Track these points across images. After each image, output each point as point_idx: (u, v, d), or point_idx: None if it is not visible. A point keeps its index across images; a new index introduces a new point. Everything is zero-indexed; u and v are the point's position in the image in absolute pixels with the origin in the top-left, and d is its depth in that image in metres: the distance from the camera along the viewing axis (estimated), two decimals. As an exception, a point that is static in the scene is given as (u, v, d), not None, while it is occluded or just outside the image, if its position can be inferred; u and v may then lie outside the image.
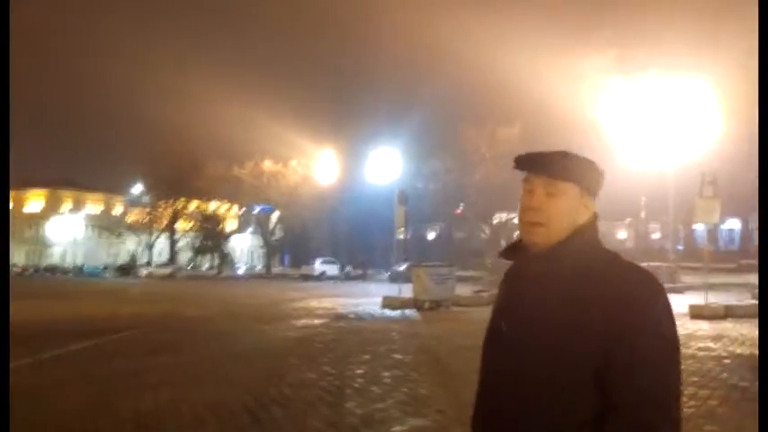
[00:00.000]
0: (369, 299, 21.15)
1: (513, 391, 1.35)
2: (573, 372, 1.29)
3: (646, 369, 1.27)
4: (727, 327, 12.43)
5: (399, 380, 7.56)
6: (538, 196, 1.41)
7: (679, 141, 24.10)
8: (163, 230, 63.83)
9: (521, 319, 1.37)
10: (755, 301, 16.35)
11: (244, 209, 64.99)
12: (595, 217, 1.44)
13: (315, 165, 53.63)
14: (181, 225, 63.62)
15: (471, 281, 26.70)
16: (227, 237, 64.28)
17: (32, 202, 76.23)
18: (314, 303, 20.75)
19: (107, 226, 69.51)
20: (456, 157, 44.82)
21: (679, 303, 10.81)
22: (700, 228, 39.86)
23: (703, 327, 12.45)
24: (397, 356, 9.45)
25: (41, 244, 75.04)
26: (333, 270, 46.73)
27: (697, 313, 14.49)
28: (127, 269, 58.10)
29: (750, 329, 11.68)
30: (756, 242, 37.56)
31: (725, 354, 9.17)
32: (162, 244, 65.83)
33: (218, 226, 62.39)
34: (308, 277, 44.63)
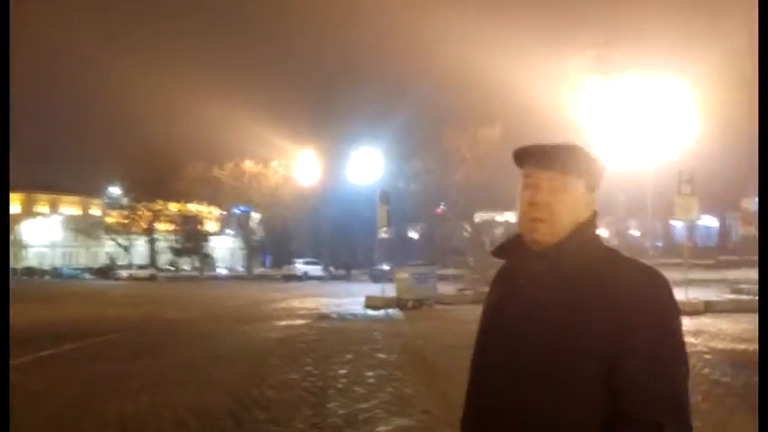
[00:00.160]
0: (351, 299, 21.08)
1: (512, 393, 1.29)
2: (576, 373, 1.24)
3: (658, 372, 1.23)
4: (707, 322, 12.57)
5: (383, 379, 7.51)
6: (543, 191, 1.35)
7: (657, 140, 24.38)
8: (142, 232, 63.08)
9: (520, 319, 1.31)
10: (734, 297, 16.64)
11: (224, 211, 64.49)
12: (596, 214, 1.39)
13: (296, 165, 53.39)
14: (160, 227, 62.92)
15: (453, 279, 26.76)
16: (207, 238, 63.76)
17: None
18: (296, 304, 20.63)
19: (85, 228, 68.46)
20: (437, 157, 44.94)
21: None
22: (678, 225, 40.40)
23: (683, 322, 12.55)
24: (381, 356, 9.41)
25: (17, 246, 73.73)
26: (315, 270, 46.54)
27: (677, 309, 14.66)
28: (106, 271, 57.33)
29: (729, 325, 11.85)
30: (734, 239, 38.25)
31: (705, 349, 9.27)
32: (141, 246, 65.07)
33: (198, 227, 61.83)
34: (289, 278, 44.42)
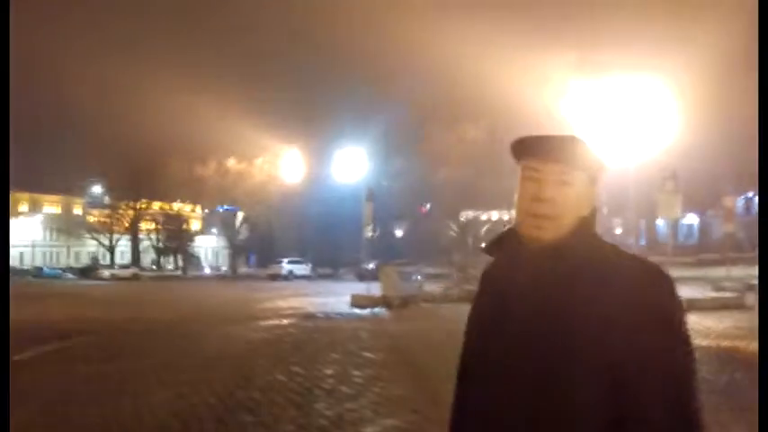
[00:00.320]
0: (337, 298, 20.99)
1: (520, 395, 1.23)
2: (584, 373, 1.18)
3: (673, 379, 1.18)
4: (692, 320, 12.32)
5: (371, 379, 7.46)
6: (549, 187, 1.27)
7: (639, 139, 24.60)
8: (125, 232, 62.41)
9: (529, 321, 1.24)
10: (717, 294, 16.80)
11: (208, 210, 64.03)
12: (596, 210, 1.34)
13: (281, 163, 53.11)
14: (143, 226, 62.29)
15: (439, 278, 26.78)
16: (191, 237, 63.25)
17: (-14, 205, 73.63)
18: (281, 303, 20.49)
19: (67, 228, 67.60)
20: (423, 155, 44.92)
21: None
22: (660, 223, 40.78)
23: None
24: (368, 355, 9.35)
25: (-3, 247, 72.54)
26: (300, 269, 46.34)
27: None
28: (88, 271, 56.65)
29: (714, 322, 11.94)
30: (714, 237, 38.69)
31: (690, 346, 9.30)
32: (124, 245, 64.42)
33: (181, 227, 61.30)
34: (274, 277, 44.17)
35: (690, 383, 1.20)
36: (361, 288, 20.44)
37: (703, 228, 46.09)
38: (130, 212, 60.08)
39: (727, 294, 16.65)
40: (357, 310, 16.97)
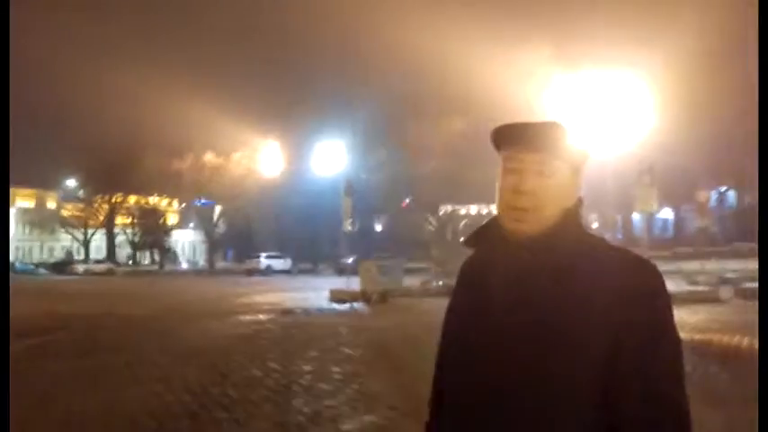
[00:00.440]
0: (316, 293, 20.87)
1: (503, 392, 1.17)
2: (570, 370, 1.13)
3: (654, 369, 1.13)
4: None
5: (349, 375, 7.40)
6: (529, 177, 1.21)
7: (616, 132, 24.85)
8: (100, 226, 61.49)
9: (512, 316, 1.18)
10: (691, 288, 17.05)
11: (185, 204, 63.34)
12: (581, 201, 1.28)
13: (258, 157, 52.68)
14: (119, 220, 61.41)
15: (418, 272, 26.80)
16: (167, 232, 62.54)
17: (-44, 198, 71.91)
18: (259, 299, 20.31)
19: (40, 222, 66.38)
20: (402, 148, 44.89)
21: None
22: (636, 217, 41.34)
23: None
24: (347, 351, 9.29)
25: (-33, 241, 70.99)
26: (279, 264, 46.02)
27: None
28: (62, 266, 55.69)
29: (688, 315, 12.08)
30: (689, 230, 39.33)
31: (665, 339, 9.39)
32: (99, 240, 63.49)
33: (158, 221, 60.57)
34: (252, 272, 43.83)
35: (679, 377, 1.16)
36: (340, 283, 20.36)
37: (678, 222, 46.87)
38: (105, 206, 59.24)
39: (702, 288, 16.89)
40: (336, 305, 16.89)
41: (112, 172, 53.41)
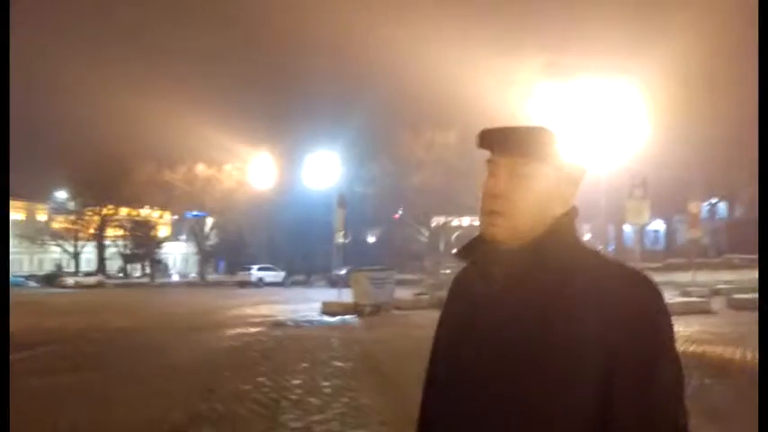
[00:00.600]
0: (308, 305, 20.72)
1: (490, 415, 1.10)
2: (560, 392, 1.06)
3: (651, 393, 1.05)
4: None
5: (339, 389, 7.30)
6: (503, 180, 1.16)
7: (608, 145, 24.95)
8: (90, 238, 61.05)
9: (496, 333, 1.12)
10: (683, 299, 17.04)
11: (176, 216, 63.04)
12: (575, 211, 1.21)
13: (250, 169, 52.52)
14: (110, 232, 60.99)
15: (410, 284, 26.71)
16: (159, 244, 62.16)
17: (-55, 210, 71.29)
18: (250, 311, 20.13)
19: (30, 234, 65.87)
20: (394, 161, 44.95)
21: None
22: (627, 229, 41.44)
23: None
24: (337, 364, 9.19)
25: (-45, 254, 70.29)
26: (270, 276, 45.75)
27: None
28: (52, 279, 55.20)
29: (680, 327, 12.04)
30: (680, 242, 39.45)
31: (658, 351, 9.32)
32: (89, 252, 63.00)
33: (149, 233, 60.20)
34: (244, 284, 43.54)
35: (678, 401, 1.08)
36: (332, 295, 20.22)
37: (670, 233, 47.02)
38: (96, 218, 58.82)
39: (694, 299, 16.89)
40: (327, 318, 16.75)
41: (103, 184, 53.09)
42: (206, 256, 59.05)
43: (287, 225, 51.29)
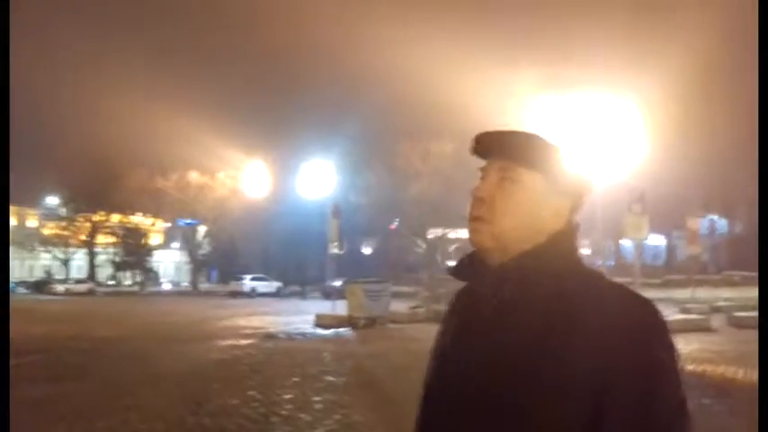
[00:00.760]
0: (301, 317, 20.41)
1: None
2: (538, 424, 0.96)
3: None
4: None
5: (331, 405, 7.07)
6: (487, 185, 1.10)
7: (606, 159, 24.92)
8: (81, 245, 60.61)
9: (479, 362, 1.04)
10: (683, 317, 16.84)
11: (168, 223, 62.69)
12: (575, 227, 1.12)
13: (244, 177, 52.24)
14: (101, 239, 60.58)
15: (406, 297, 26.40)
16: (150, 252, 61.76)
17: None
18: (241, 322, 19.80)
19: (20, 240, 65.32)
20: (390, 171, 44.79)
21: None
22: (626, 244, 41.34)
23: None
24: (330, 379, 8.93)
25: (-56, 259, 69.59)
26: (263, 287, 45.33)
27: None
28: (42, 285, 54.71)
29: (680, 344, 11.77)
30: (680, 258, 39.42)
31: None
32: (80, 259, 62.51)
33: (140, 240, 59.81)
34: (236, 294, 43.09)
35: None
36: (326, 306, 19.91)
37: (669, 249, 47.01)
38: (87, 225, 58.44)
39: (693, 316, 16.68)
40: (321, 331, 16.45)
41: (95, 190, 52.77)
42: (198, 265, 58.64)
43: (280, 234, 50.96)
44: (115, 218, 58.24)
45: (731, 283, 24.98)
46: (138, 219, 59.09)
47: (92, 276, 58.44)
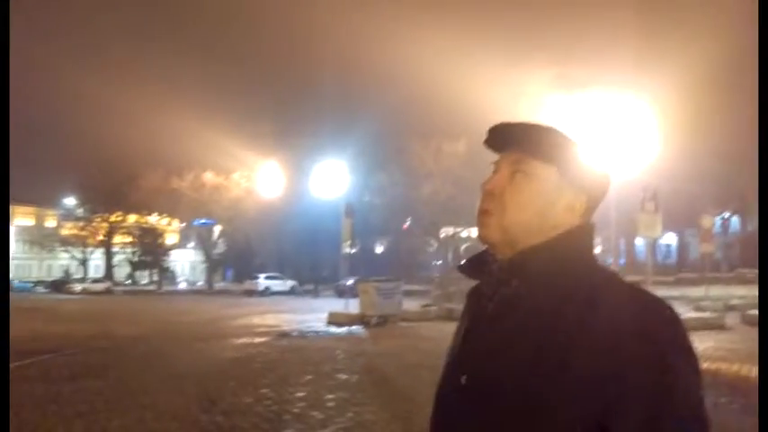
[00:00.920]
0: (314, 315, 20.54)
1: None
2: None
3: None
4: None
5: (344, 403, 7.12)
6: (497, 177, 1.07)
7: (618, 157, 24.77)
8: (98, 245, 61.30)
9: (484, 360, 1.01)
10: (696, 314, 16.75)
11: (184, 223, 63.16)
12: (589, 226, 1.07)
13: (258, 177, 52.51)
14: (118, 239, 61.23)
15: (418, 295, 26.46)
16: (166, 251, 62.28)
17: (-44, 214, 71.81)
18: (256, 320, 19.98)
19: (39, 240, 66.22)
20: (403, 170, 44.79)
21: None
22: (639, 242, 41.02)
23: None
24: (342, 377, 8.99)
25: (-34, 259, 70.59)
26: (278, 286, 45.62)
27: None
28: (60, 285, 55.39)
29: (694, 342, 11.78)
30: (693, 256, 39.03)
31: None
32: (98, 259, 63.21)
33: (157, 240, 60.35)
34: (251, 293, 43.42)
35: None
36: (339, 305, 20.04)
37: (682, 247, 46.52)
38: (104, 225, 59.08)
39: (707, 314, 16.58)
40: (334, 329, 16.56)
41: (112, 191, 53.37)
42: (213, 265, 59.06)
43: (294, 234, 51.15)
44: (132, 218, 58.84)
45: (744, 281, 24.70)
46: (154, 219, 59.63)
47: (109, 276, 59.10)
